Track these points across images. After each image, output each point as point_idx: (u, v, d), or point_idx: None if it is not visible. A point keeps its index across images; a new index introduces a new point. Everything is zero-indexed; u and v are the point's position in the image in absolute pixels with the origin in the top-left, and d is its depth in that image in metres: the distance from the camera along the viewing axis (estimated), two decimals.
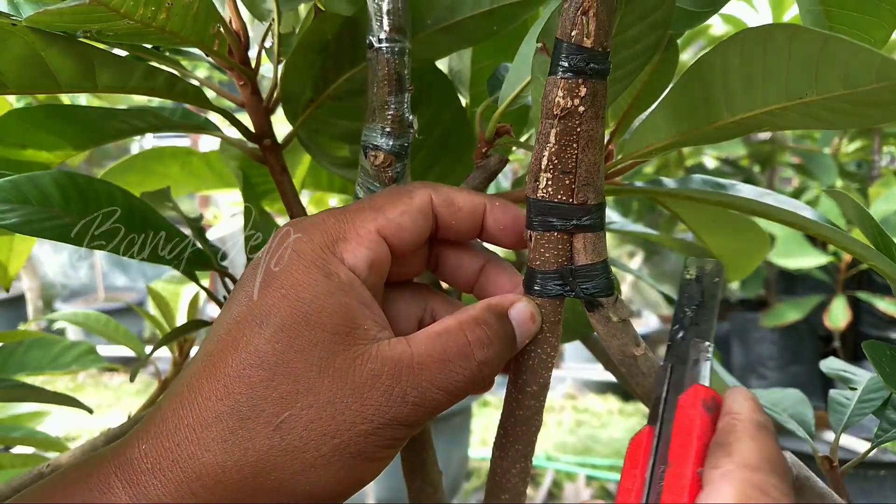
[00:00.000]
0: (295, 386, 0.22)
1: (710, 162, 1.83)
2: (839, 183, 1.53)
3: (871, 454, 1.36)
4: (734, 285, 1.73)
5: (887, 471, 1.51)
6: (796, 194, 1.57)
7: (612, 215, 0.50)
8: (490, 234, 0.28)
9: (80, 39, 0.28)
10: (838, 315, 1.38)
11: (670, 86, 0.28)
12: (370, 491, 1.76)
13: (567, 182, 0.26)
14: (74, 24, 0.26)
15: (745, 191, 0.33)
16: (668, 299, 0.50)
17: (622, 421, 2.38)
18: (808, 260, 1.29)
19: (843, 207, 0.37)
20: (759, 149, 1.60)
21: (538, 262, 0.28)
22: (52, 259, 3.79)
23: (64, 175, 0.37)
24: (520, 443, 0.30)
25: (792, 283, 1.68)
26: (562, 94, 0.25)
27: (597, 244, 0.27)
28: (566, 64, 0.25)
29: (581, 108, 0.25)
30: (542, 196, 0.27)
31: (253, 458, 0.22)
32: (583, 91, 0.25)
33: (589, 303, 0.28)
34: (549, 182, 0.26)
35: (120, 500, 0.22)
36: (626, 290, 2.81)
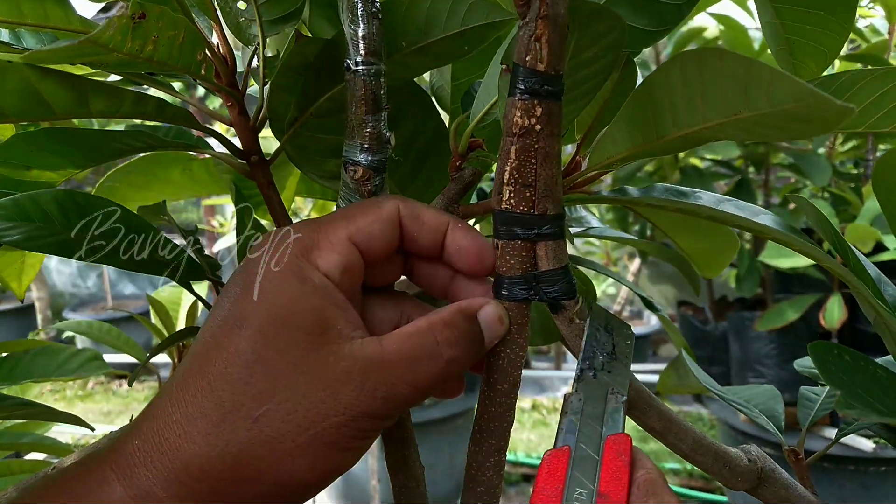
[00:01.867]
0: (273, 382, 0.24)
1: (706, 162, 1.84)
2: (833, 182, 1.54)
3: (872, 451, 1.37)
4: (731, 285, 1.75)
5: (888, 467, 1.52)
6: (794, 189, 1.58)
7: (591, 220, 0.52)
8: (448, 253, 0.30)
9: (73, 72, 0.30)
10: (834, 313, 1.39)
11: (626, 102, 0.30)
12: (376, 493, 1.78)
13: (528, 194, 0.28)
14: (68, 60, 0.28)
15: (704, 198, 0.35)
16: (648, 304, 0.52)
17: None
18: (800, 259, 1.30)
19: (807, 214, 0.39)
20: (753, 150, 1.61)
21: (505, 269, 0.30)
22: (60, 269, 3.83)
23: (63, 193, 0.39)
24: (493, 438, 0.32)
25: (788, 281, 1.69)
26: (519, 114, 0.27)
27: (558, 251, 0.29)
28: (522, 86, 0.27)
29: (538, 127, 0.27)
30: (506, 207, 0.29)
31: (235, 448, 0.24)
32: (539, 111, 0.27)
33: (552, 305, 0.30)
34: (512, 194, 0.28)
35: (115, 491, 0.24)
36: (626, 292, 2.83)
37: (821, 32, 0.36)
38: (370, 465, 1.77)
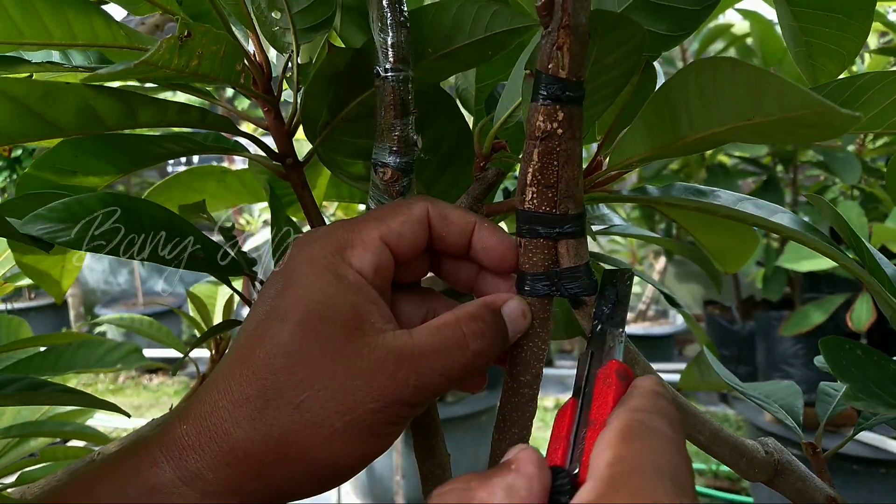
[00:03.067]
0: (313, 371, 0.26)
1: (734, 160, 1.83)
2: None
3: None
4: (759, 286, 1.73)
5: None
6: (819, 193, 1.56)
7: (614, 218, 0.53)
8: (475, 251, 0.31)
9: (121, 87, 0.32)
10: (862, 315, 1.37)
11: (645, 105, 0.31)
12: (399, 489, 1.80)
13: (550, 195, 0.30)
14: (124, 79, 0.30)
15: (723, 197, 0.35)
16: (671, 300, 0.53)
17: None
18: (820, 262, 1.28)
19: (822, 211, 0.39)
20: (781, 147, 1.59)
21: (528, 266, 0.31)
22: (93, 266, 3.94)
23: (109, 196, 0.41)
24: (516, 427, 0.33)
25: (817, 281, 1.67)
26: (542, 119, 0.28)
27: (578, 249, 0.31)
28: (545, 92, 0.28)
29: (559, 131, 0.28)
30: (529, 207, 0.30)
31: (277, 432, 0.25)
32: (560, 116, 0.28)
33: (574, 301, 0.31)
34: (534, 195, 0.30)
35: (164, 472, 0.26)
36: (651, 291, 2.81)
37: (839, 35, 0.36)
38: (394, 461, 1.79)
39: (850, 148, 1.54)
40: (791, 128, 0.24)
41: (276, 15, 0.38)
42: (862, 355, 0.27)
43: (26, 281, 0.79)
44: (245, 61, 0.35)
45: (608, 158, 0.37)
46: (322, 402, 0.26)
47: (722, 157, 1.78)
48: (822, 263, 1.29)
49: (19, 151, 1.35)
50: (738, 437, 0.35)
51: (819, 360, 0.46)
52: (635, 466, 0.20)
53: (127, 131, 0.43)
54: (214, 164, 0.60)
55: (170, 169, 3.63)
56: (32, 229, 0.36)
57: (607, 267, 0.32)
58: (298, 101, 0.39)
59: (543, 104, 0.28)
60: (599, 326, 0.29)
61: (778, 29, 1.68)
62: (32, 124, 0.31)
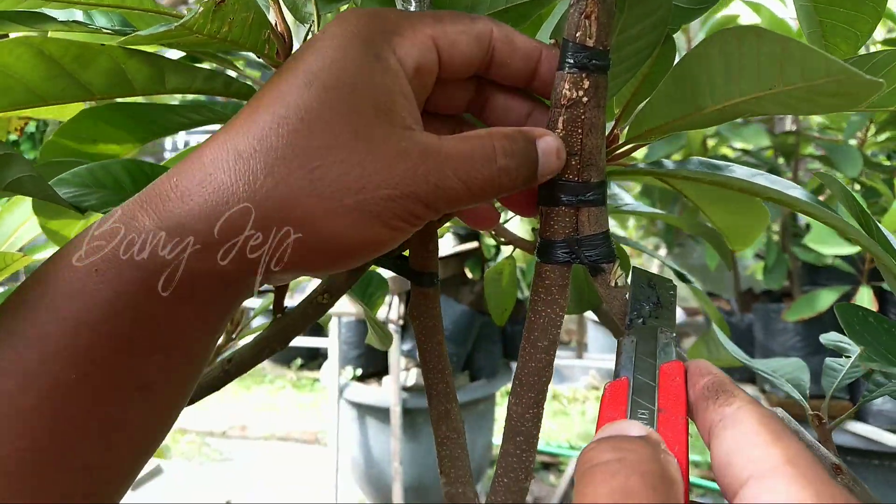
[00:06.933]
0: (331, 141, 0.24)
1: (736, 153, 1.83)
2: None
3: None
4: (758, 277, 1.74)
5: None
6: (820, 186, 1.57)
7: (625, 197, 0.53)
8: (542, 80, 0.29)
9: (153, 51, 0.33)
10: (864, 305, 1.38)
11: (665, 76, 0.32)
12: (398, 475, 1.82)
13: (573, 163, 0.30)
14: (160, 42, 0.30)
15: (738, 171, 0.36)
16: (680, 275, 0.53)
17: None
18: (840, 248, 1.31)
19: (832, 189, 0.40)
20: (783, 140, 1.60)
21: (548, 233, 0.32)
22: None
23: (132, 162, 0.42)
24: (532, 391, 0.34)
25: (815, 274, 1.69)
26: (568, 87, 0.29)
27: (599, 217, 0.31)
28: (571, 61, 0.29)
29: (585, 99, 0.29)
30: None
31: (282, 191, 0.23)
32: (586, 84, 0.29)
33: (592, 268, 0.32)
34: None
35: (143, 225, 0.23)
36: None
37: (853, 15, 0.37)
38: (392, 447, 1.81)
39: (852, 142, 1.54)
40: (812, 97, 0.25)
41: None
42: (874, 322, 0.28)
43: (40, 255, 0.80)
44: (270, 32, 0.36)
45: (625, 131, 0.38)
46: (335, 175, 0.24)
47: (724, 149, 1.79)
48: (842, 250, 1.33)
49: (33, 129, 1.35)
50: None
51: (825, 338, 0.47)
52: (808, 462, 0.19)
53: (139, 99, 0.43)
54: None
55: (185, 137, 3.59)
56: (59, 193, 0.37)
57: (634, 264, 0.32)
58: None
59: (570, 72, 0.29)
60: (642, 321, 0.29)
61: (787, 20, 1.68)
62: (64, 85, 0.31)
